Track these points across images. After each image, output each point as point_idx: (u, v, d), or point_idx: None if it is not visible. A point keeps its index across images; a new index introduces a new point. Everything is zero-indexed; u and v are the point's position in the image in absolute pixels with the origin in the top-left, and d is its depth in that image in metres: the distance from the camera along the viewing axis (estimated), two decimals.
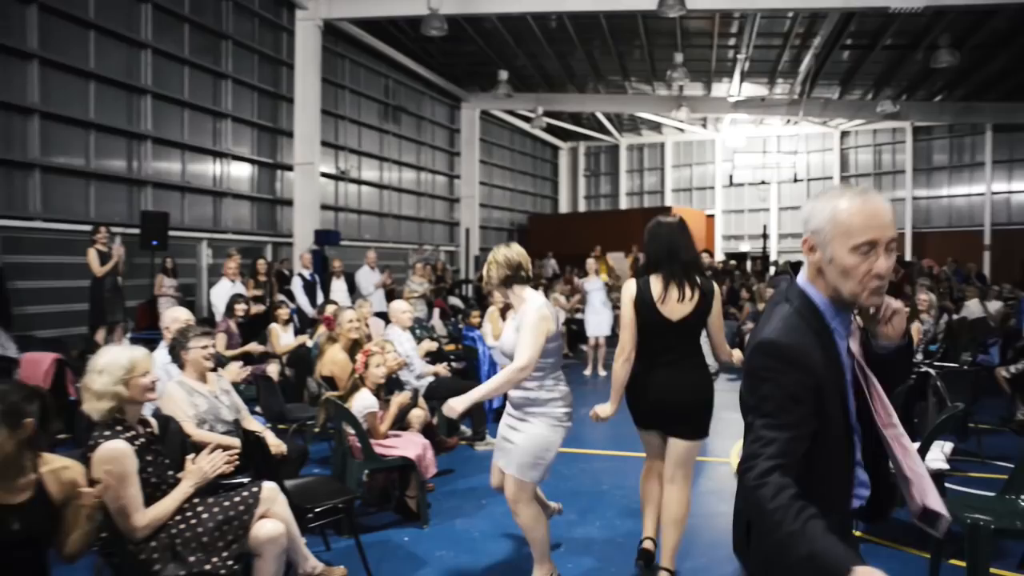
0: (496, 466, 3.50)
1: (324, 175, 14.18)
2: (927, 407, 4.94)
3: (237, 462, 2.84)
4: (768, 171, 19.23)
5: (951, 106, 16.50)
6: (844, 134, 19.45)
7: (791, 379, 1.53)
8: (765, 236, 18.33)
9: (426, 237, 17.68)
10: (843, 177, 19.51)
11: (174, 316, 4.10)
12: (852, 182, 19.58)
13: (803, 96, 16.23)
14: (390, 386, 4.96)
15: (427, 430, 4.91)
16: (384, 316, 9.85)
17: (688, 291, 3.33)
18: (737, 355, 3.37)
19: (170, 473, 2.66)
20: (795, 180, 19.46)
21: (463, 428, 6.22)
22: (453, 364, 6.97)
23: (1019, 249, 16.12)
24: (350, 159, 15.42)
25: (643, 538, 3.68)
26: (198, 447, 3.00)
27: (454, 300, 12.87)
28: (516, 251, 3.42)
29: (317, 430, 4.95)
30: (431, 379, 5.73)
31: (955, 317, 8.98)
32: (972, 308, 9.18)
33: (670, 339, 3.38)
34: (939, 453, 3.78)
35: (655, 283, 3.36)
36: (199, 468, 2.65)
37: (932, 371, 4.96)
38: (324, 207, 14.17)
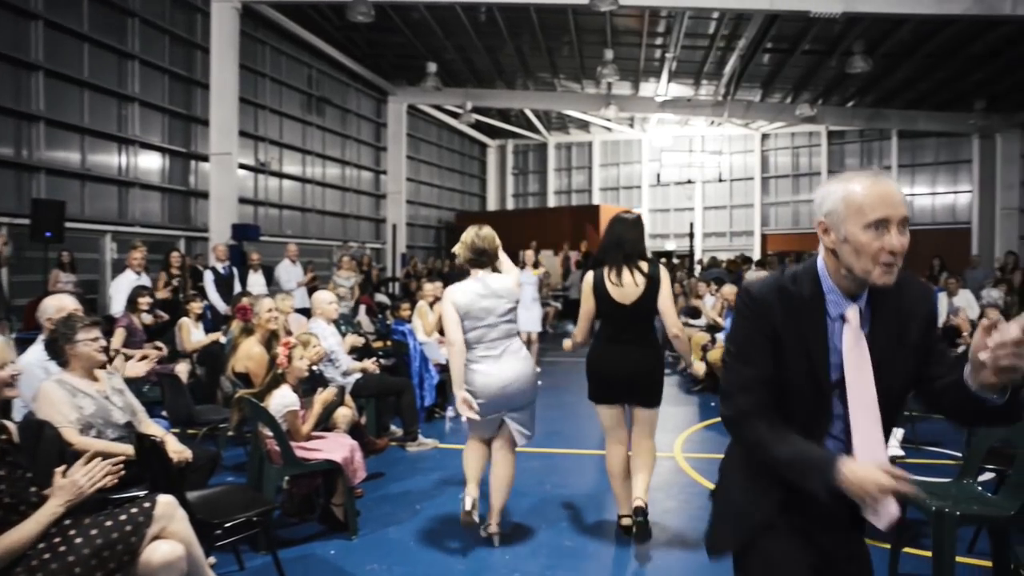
0: None
1: (243, 167, 13.39)
2: None
3: (122, 472, 2.34)
4: (694, 170, 19.51)
5: (862, 111, 17.12)
6: (764, 136, 19.96)
7: (751, 322, 1.73)
8: (691, 235, 18.58)
9: (351, 234, 17.02)
10: (764, 178, 20.02)
11: (58, 305, 3.50)
12: (772, 183, 20.12)
13: (727, 98, 16.48)
14: (313, 383, 4.49)
15: (355, 430, 4.47)
16: (306, 313, 9.28)
17: (634, 277, 3.67)
18: (677, 327, 3.80)
19: (32, 490, 2.13)
20: (719, 180, 19.85)
21: (394, 428, 5.78)
22: (382, 361, 6.51)
23: (922, 248, 16.79)
24: (271, 151, 14.63)
25: (620, 516, 3.85)
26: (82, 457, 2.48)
27: (381, 297, 12.33)
28: (484, 235, 3.83)
29: (231, 433, 4.43)
30: (358, 376, 5.26)
31: None
32: None
33: (624, 321, 3.70)
34: (893, 440, 3.63)
35: (606, 271, 3.72)
36: (72, 482, 2.13)
37: None
38: (243, 200, 13.37)
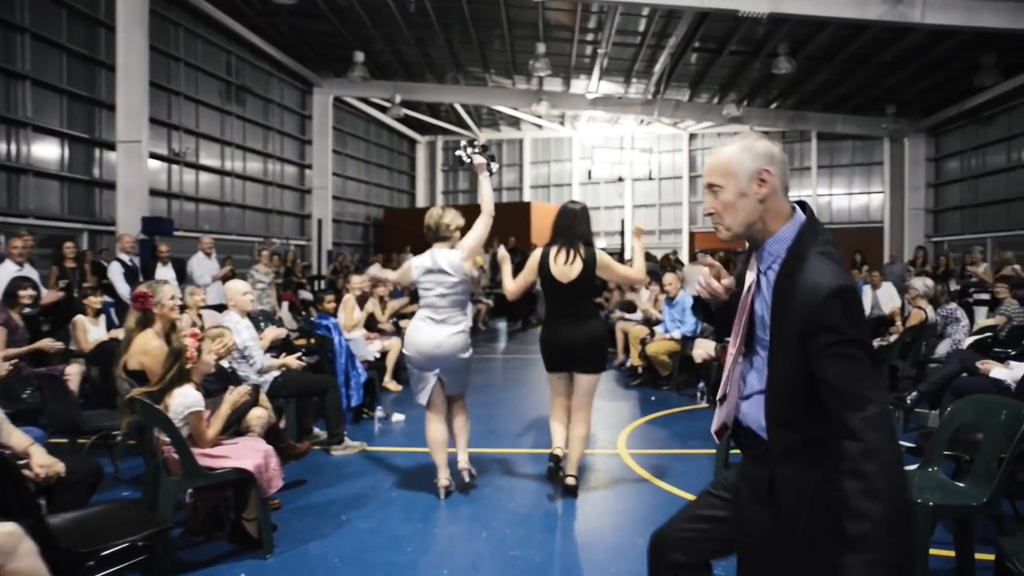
0: None
1: (155, 157, 12.42)
2: None
3: None
4: (624, 168, 19.50)
5: (784, 113, 17.50)
6: (692, 136, 20.18)
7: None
8: (621, 232, 18.55)
9: (274, 230, 16.15)
10: (691, 177, 20.22)
11: None
12: (699, 182, 20.36)
13: (657, 97, 16.52)
14: (225, 382, 3.94)
15: (271, 434, 3.94)
16: (222, 309, 8.57)
17: (572, 258, 4.08)
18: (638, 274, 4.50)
19: None
20: (649, 178, 19.92)
21: (317, 431, 5.25)
22: (305, 359, 5.96)
23: (840, 245, 17.30)
24: (186, 141, 13.65)
25: (554, 446, 4.25)
26: None
27: (305, 294, 11.64)
28: (434, 215, 4.28)
29: (119, 439, 3.82)
30: (276, 374, 4.72)
31: None
32: None
33: (567, 297, 4.13)
34: None
35: (553, 252, 4.14)
36: None
37: None
38: (155, 193, 12.42)
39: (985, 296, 8.74)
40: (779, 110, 17.62)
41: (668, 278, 7.27)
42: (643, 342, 7.28)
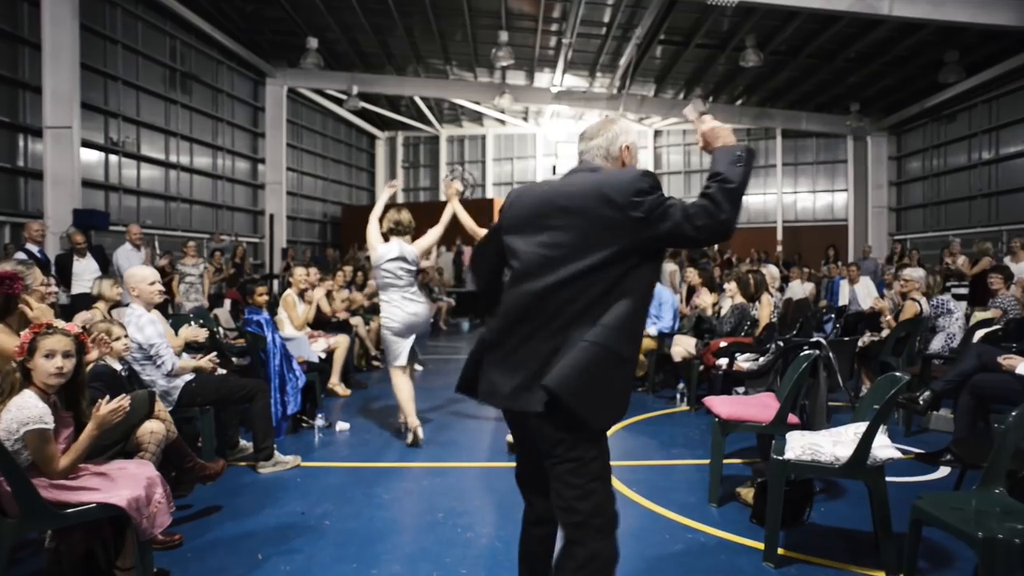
0: None
1: (89, 145, 11.37)
2: (817, 385, 4.02)
3: None
4: None
5: (749, 110, 17.12)
6: (657, 133, 19.69)
7: None
8: None
9: (225, 226, 15.09)
10: (657, 174, 19.64)
11: None
12: (664, 180, 19.89)
13: (622, 91, 15.95)
14: (115, 387, 3.10)
15: (173, 453, 3.12)
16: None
17: None
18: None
19: None
20: None
21: (244, 443, 4.41)
22: (235, 360, 5.12)
23: (804, 242, 17.09)
24: (126, 129, 12.56)
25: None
26: None
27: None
28: (403, 215, 5.15)
29: None
30: (190, 377, 3.89)
31: (783, 297, 8.65)
32: (796, 289, 8.95)
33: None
34: (886, 438, 2.75)
35: None
36: None
37: (823, 344, 4.07)
38: (90, 184, 11.37)
39: (964, 290, 8.31)
40: (744, 106, 17.22)
41: None
42: None
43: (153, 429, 2.93)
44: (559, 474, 1.90)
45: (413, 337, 4.87)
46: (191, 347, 4.99)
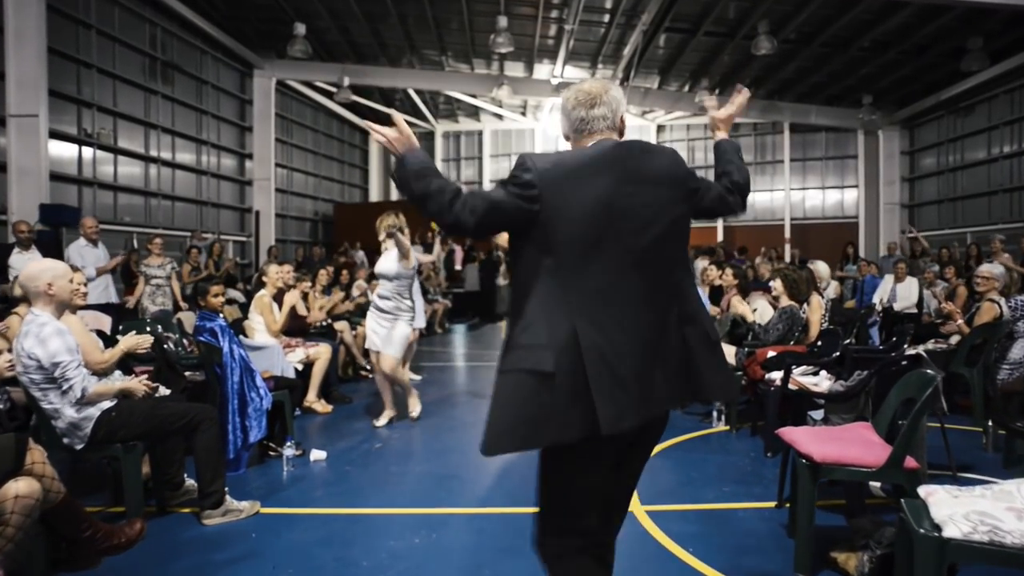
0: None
1: (60, 136, 10.43)
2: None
3: None
4: None
5: (756, 103, 16.22)
6: (660, 128, 18.75)
7: None
8: None
9: (210, 224, 14.13)
10: None
11: None
12: None
13: (625, 83, 15.04)
14: None
15: (63, 518, 2.19)
16: (111, 310, 6.68)
17: None
18: None
19: None
20: None
21: (189, 482, 3.45)
22: (188, 375, 4.17)
23: (813, 241, 16.23)
24: (101, 120, 11.59)
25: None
26: None
27: (234, 293, 9.74)
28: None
29: None
30: (109, 405, 2.94)
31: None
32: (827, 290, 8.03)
33: None
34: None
35: None
36: None
37: (925, 359, 3.15)
38: (60, 178, 10.44)
39: None
40: (752, 99, 16.29)
41: None
42: None
43: (20, 492, 1.98)
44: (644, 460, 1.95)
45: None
46: (140, 360, 4.06)
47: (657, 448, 4.42)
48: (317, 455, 4.18)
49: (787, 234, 17.28)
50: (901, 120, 15.82)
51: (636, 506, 3.39)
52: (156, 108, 12.85)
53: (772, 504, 3.35)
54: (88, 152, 11.35)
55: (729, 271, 6.06)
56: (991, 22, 11.48)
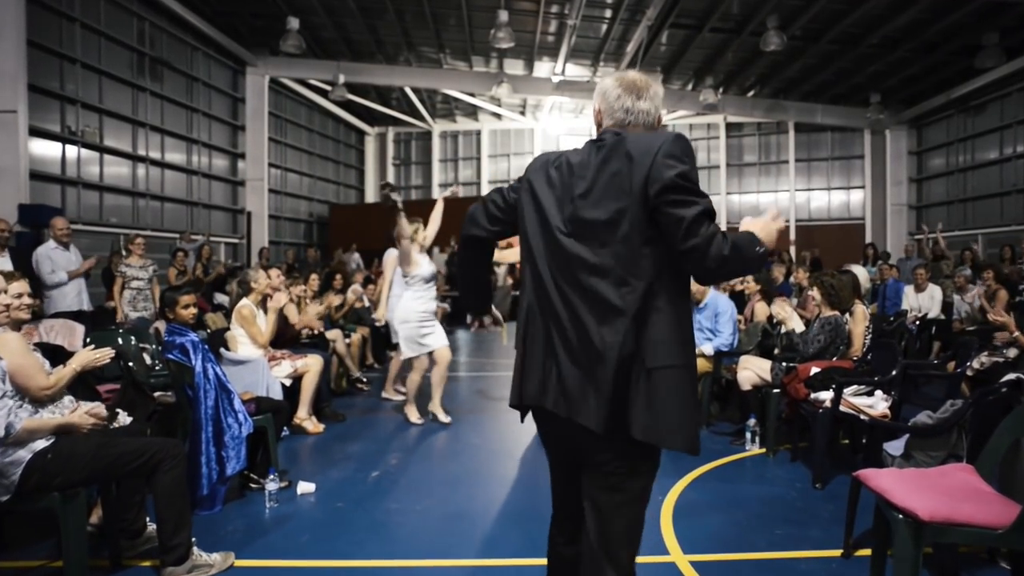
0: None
1: (41, 134, 9.87)
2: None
3: None
4: None
5: (761, 102, 15.75)
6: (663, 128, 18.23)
7: None
8: None
9: (201, 225, 13.56)
10: None
11: None
12: None
13: None
14: None
15: None
16: (84, 318, 6.12)
17: None
18: None
19: None
20: None
21: (152, 528, 2.90)
22: (159, 395, 3.63)
23: (819, 243, 15.74)
24: (87, 118, 11.01)
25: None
26: None
27: (223, 298, 9.17)
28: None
29: None
30: (45, 444, 2.38)
31: None
32: None
33: None
34: None
35: None
36: None
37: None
38: (42, 177, 9.88)
39: None
40: (757, 98, 15.85)
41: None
42: None
43: None
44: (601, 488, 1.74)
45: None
46: (104, 378, 3.51)
47: (692, 475, 3.92)
48: (305, 488, 3.63)
49: (792, 236, 16.79)
50: (908, 119, 15.36)
51: (678, 555, 2.85)
52: (144, 106, 12.28)
53: (837, 552, 2.83)
54: (72, 151, 10.77)
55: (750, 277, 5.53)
56: (1007, 17, 11.03)
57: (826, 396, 3.62)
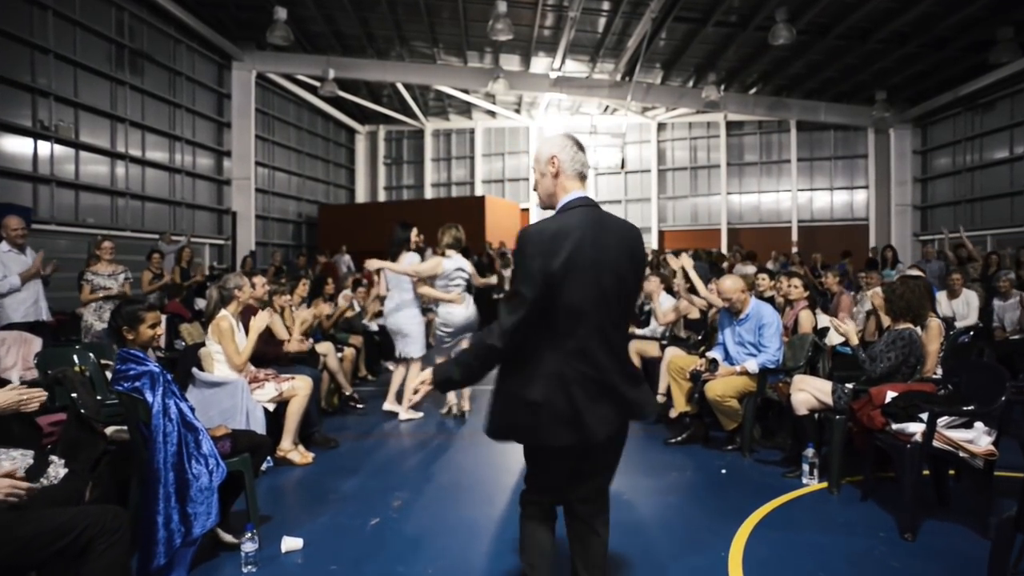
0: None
1: (11, 128, 9.18)
2: None
3: None
4: (599, 153, 16.63)
5: (764, 100, 15.18)
6: (661, 126, 17.60)
7: None
8: None
9: (185, 226, 12.81)
10: (660, 170, 17.64)
11: None
12: (669, 177, 17.85)
13: (631, 76, 13.93)
14: None
15: None
16: (43, 329, 5.40)
17: None
18: None
19: None
20: (622, 167, 17.02)
21: None
22: (113, 432, 2.93)
23: (821, 243, 15.21)
24: (60, 112, 10.26)
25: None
26: None
27: (204, 304, 8.41)
28: (461, 232, 5.61)
29: None
30: None
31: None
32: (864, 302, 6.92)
33: None
34: None
35: None
36: None
37: None
38: (12, 174, 9.22)
39: None
40: (759, 96, 15.28)
41: (728, 282, 4.44)
42: (695, 377, 4.45)
43: None
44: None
45: (467, 335, 5.40)
46: (47, 408, 2.83)
47: (751, 520, 3.29)
48: (290, 545, 2.94)
49: (794, 236, 16.25)
50: (913, 118, 14.85)
51: None
52: (124, 100, 11.52)
53: None
54: (45, 146, 10.01)
55: (796, 280, 4.88)
56: (1022, 11, 10.51)
57: (916, 428, 3.00)
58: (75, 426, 2.82)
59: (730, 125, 17.01)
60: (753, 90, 15.15)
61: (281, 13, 11.30)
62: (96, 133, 11.03)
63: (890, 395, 3.29)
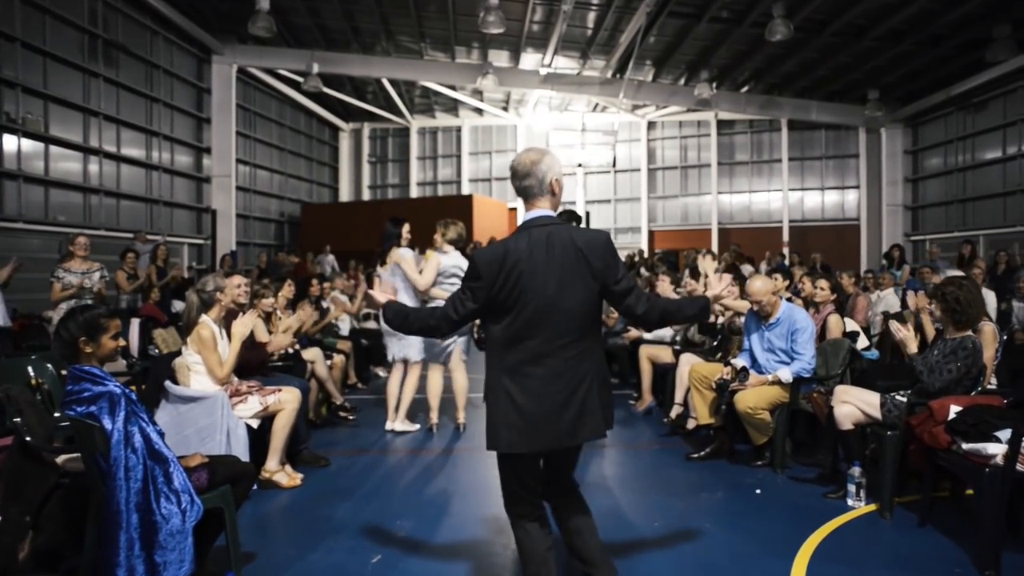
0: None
1: None
2: None
3: None
4: (587, 150, 16.25)
5: (755, 98, 14.92)
6: (651, 125, 17.26)
7: None
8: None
9: (163, 225, 12.22)
10: (651, 170, 17.31)
11: None
12: (659, 176, 17.53)
13: (622, 73, 13.57)
14: None
15: None
16: (3, 336, 4.87)
17: None
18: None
19: None
20: (613, 166, 16.68)
21: None
22: (64, 461, 2.45)
23: (812, 243, 14.98)
24: (28, 103, 9.66)
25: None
26: None
27: (181, 305, 7.87)
28: (461, 229, 5.31)
29: None
30: None
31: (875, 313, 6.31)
32: (890, 300, 6.61)
33: None
34: None
35: None
36: None
37: None
38: None
39: None
40: (750, 94, 15.01)
41: (758, 283, 4.04)
42: (721, 388, 4.04)
43: None
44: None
45: (464, 339, 5.19)
46: None
47: (804, 553, 2.88)
48: None
49: (785, 237, 16.02)
50: (904, 117, 14.68)
51: None
52: (97, 93, 10.92)
53: None
54: (11, 140, 9.42)
55: (823, 282, 4.51)
56: (1021, 8, 10.32)
57: (996, 450, 2.62)
58: (19, 455, 2.34)
59: (721, 124, 16.74)
60: (745, 88, 14.89)
61: (263, 2, 10.77)
62: (68, 127, 10.44)
63: (954, 410, 2.92)
